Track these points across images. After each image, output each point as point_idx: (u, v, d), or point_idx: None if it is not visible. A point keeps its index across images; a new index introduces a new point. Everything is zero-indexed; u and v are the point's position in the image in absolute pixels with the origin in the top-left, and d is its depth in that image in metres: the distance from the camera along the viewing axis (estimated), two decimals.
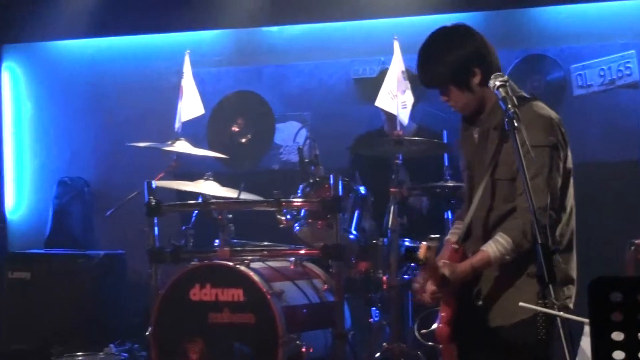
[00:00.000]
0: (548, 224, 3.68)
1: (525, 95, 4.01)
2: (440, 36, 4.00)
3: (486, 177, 3.87)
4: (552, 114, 3.98)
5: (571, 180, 3.98)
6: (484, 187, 3.87)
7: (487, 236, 3.81)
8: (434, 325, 3.98)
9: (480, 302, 3.84)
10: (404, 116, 5.58)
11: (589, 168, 5.91)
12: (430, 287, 3.85)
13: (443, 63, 3.91)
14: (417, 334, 5.26)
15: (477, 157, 3.97)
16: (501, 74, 3.95)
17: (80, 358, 5.61)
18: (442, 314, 3.92)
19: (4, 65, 7.87)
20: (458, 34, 4.00)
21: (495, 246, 3.71)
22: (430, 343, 4.66)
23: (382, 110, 5.76)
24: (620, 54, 6.49)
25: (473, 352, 3.92)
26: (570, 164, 3.96)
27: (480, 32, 4.03)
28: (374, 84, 5.92)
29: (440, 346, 4.21)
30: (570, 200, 3.96)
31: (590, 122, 6.39)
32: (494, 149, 3.85)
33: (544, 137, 3.79)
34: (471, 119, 4.06)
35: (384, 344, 5.50)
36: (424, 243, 3.76)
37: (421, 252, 3.80)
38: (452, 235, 4.00)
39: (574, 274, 3.91)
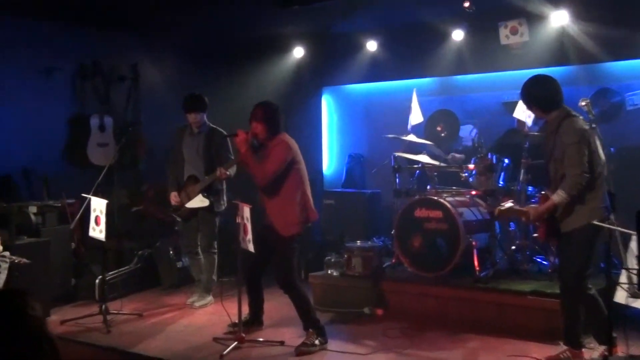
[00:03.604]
0: (584, 181, 3.76)
1: (572, 112, 3.92)
2: (535, 80, 4.00)
3: (552, 158, 3.94)
4: (579, 123, 3.82)
5: (595, 156, 3.86)
6: (552, 163, 3.94)
7: (555, 190, 3.87)
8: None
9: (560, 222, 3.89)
10: (529, 122, 5.54)
11: (635, 152, 5.77)
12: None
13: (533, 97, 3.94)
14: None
15: (549, 147, 3.96)
16: (583, 99, 4.19)
17: (358, 243, 5.70)
18: (540, 229, 4.05)
19: (323, 97, 8.13)
20: (543, 79, 3.99)
21: (557, 196, 3.83)
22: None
23: (517, 118, 5.60)
24: None
25: (560, 245, 4.00)
26: (593, 148, 3.86)
27: (555, 79, 3.93)
28: (513, 105, 5.72)
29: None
30: (597, 168, 3.87)
31: (637, 126, 6.05)
32: (552, 142, 3.91)
33: (573, 137, 3.81)
34: (545, 126, 4.12)
35: (517, 241, 5.53)
36: (497, 208, 3.97)
37: (495, 212, 4.06)
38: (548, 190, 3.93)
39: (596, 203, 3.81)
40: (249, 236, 4.21)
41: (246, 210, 4.21)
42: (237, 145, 4.49)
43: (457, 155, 6.07)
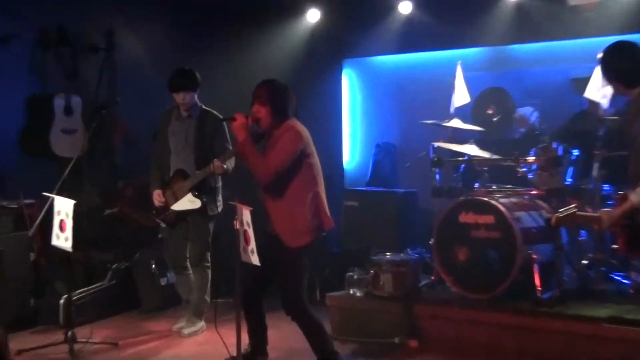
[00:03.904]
0: None
1: None
2: (618, 47, 4.08)
3: (635, 147, 3.97)
4: None
5: None
6: (634, 154, 3.97)
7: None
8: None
9: None
10: (604, 103, 5.57)
11: None
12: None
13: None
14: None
15: (631, 133, 4.02)
16: None
17: (388, 256, 5.81)
18: (619, 238, 4.13)
19: (344, 72, 8.17)
20: (628, 47, 4.08)
21: (636, 195, 3.90)
22: None
23: (589, 99, 5.65)
24: None
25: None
26: None
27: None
28: (584, 82, 5.75)
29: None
30: None
31: None
32: (637, 127, 3.96)
33: None
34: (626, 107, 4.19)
35: (590, 254, 5.54)
36: (555, 214, 4.05)
37: (552, 220, 4.12)
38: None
39: None
40: (252, 246, 4.22)
41: (246, 214, 4.23)
42: (234, 132, 4.52)
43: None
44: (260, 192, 4.63)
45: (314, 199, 4.53)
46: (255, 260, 4.23)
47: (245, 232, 4.26)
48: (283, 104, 4.54)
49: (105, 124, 6.86)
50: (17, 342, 5.45)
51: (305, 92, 7.46)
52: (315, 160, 4.59)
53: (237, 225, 4.29)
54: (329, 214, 4.61)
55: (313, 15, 7.88)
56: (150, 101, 6.62)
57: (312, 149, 4.58)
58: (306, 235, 4.52)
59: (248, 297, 4.66)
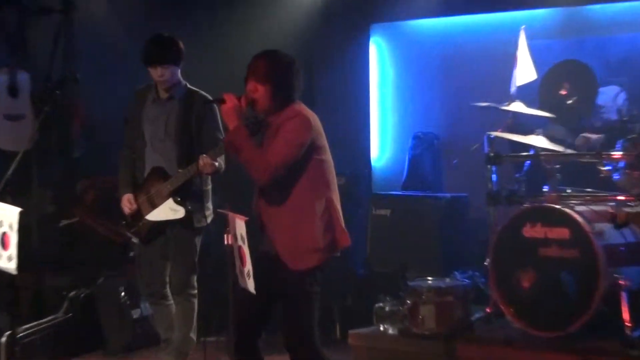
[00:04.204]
0: None
1: None
2: None
3: None
4: None
5: None
6: None
7: None
8: None
9: None
10: None
11: None
12: None
13: None
14: None
15: None
16: None
17: (430, 281, 5.87)
18: None
19: (372, 40, 8.24)
20: None
21: None
22: None
23: None
24: None
25: None
26: None
27: None
28: None
29: None
30: None
31: None
32: None
33: None
34: None
35: None
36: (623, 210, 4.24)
37: (619, 218, 4.37)
38: None
39: None
40: (248, 267, 4.22)
41: (240, 225, 4.23)
42: (224, 117, 4.54)
43: (594, 137, 6.17)
44: (255, 198, 4.64)
45: (326, 207, 4.55)
46: (250, 286, 4.24)
47: (239, 248, 4.26)
48: (287, 82, 4.55)
49: (61, 108, 6.85)
50: None
51: (320, 68, 7.56)
52: (328, 156, 4.61)
53: (229, 240, 4.30)
54: (344, 227, 4.61)
55: None
56: (119, 79, 6.70)
57: (324, 141, 4.60)
58: (315, 255, 4.52)
59: (241, 337, 4.64)
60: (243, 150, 4.46)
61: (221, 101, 4.54)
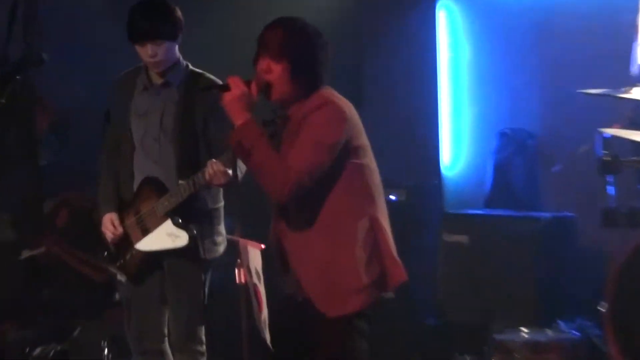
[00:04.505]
0: None
1: None
2: None
3: None
4: None
5: None
6: None
7: None
8: None
9: None
10: None
11: None
12: None
13: None
14: None
15: None
16: None
17: (524, 334, 6.05)
18: None
19: (440, 10, 8.34)
20: None
21: None
22: None
23: None
24: None
25: None
26: None
27: None
28: None
29: None
30: None
31: None
32: None
33: None
34: None
35: None
36: None
37: None
38: None
39: None
40: (264, 314, 4.33)
41: (255, 256, 4.33)
42: (228, 109, 4.55)
43: None
44: (274, 219, 4.69)
45: (370, 230, 4.57)
46: (266, 337, 4.36)
47: (255, 287, 4.36)
48: (312, 58, 4.57)
49: (22, 100, 6.81)
50: None
51: (370, 46, 7.73)
52: (370, 160, 4.65)
53: (242, 277, 4.36)
54: (396, 256, 4.61)
55: None
56: (97, 61, 6.77)
57: (365, 139, 4.63)
58: (357, 296, 4.53)
59: None
60: (254, 153, 4.47)
61: (224, 88, 4.57)
